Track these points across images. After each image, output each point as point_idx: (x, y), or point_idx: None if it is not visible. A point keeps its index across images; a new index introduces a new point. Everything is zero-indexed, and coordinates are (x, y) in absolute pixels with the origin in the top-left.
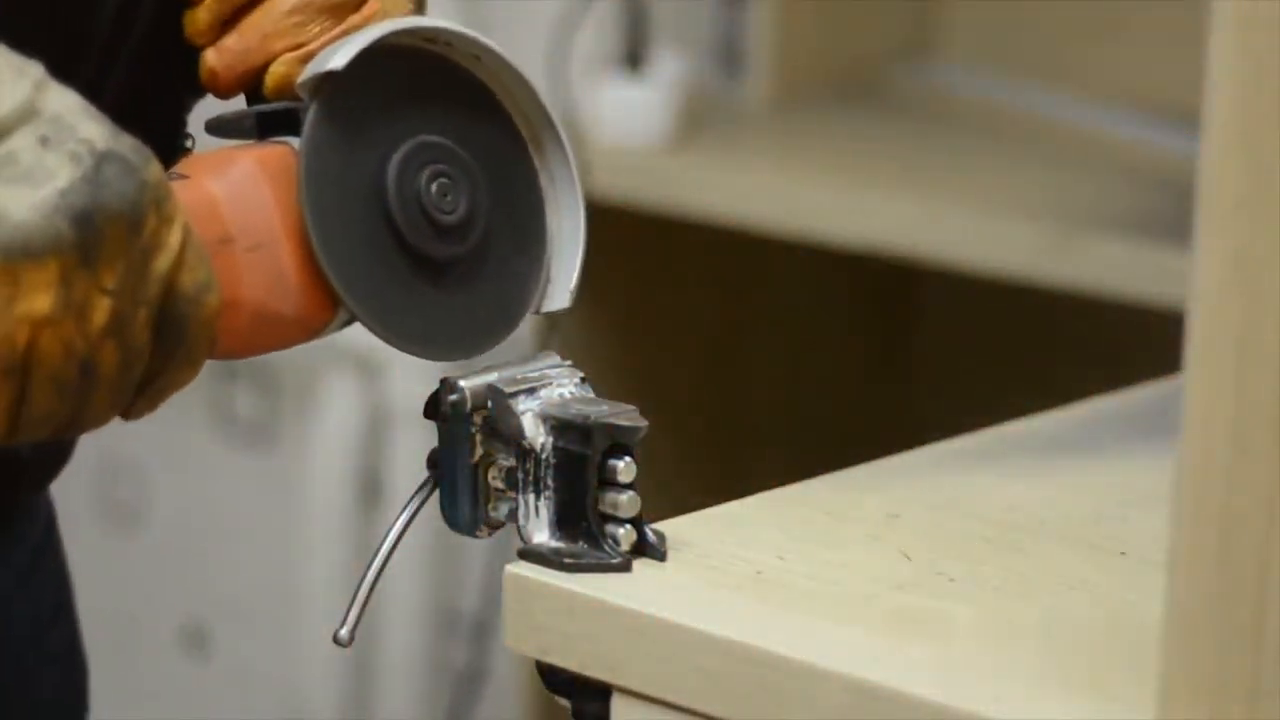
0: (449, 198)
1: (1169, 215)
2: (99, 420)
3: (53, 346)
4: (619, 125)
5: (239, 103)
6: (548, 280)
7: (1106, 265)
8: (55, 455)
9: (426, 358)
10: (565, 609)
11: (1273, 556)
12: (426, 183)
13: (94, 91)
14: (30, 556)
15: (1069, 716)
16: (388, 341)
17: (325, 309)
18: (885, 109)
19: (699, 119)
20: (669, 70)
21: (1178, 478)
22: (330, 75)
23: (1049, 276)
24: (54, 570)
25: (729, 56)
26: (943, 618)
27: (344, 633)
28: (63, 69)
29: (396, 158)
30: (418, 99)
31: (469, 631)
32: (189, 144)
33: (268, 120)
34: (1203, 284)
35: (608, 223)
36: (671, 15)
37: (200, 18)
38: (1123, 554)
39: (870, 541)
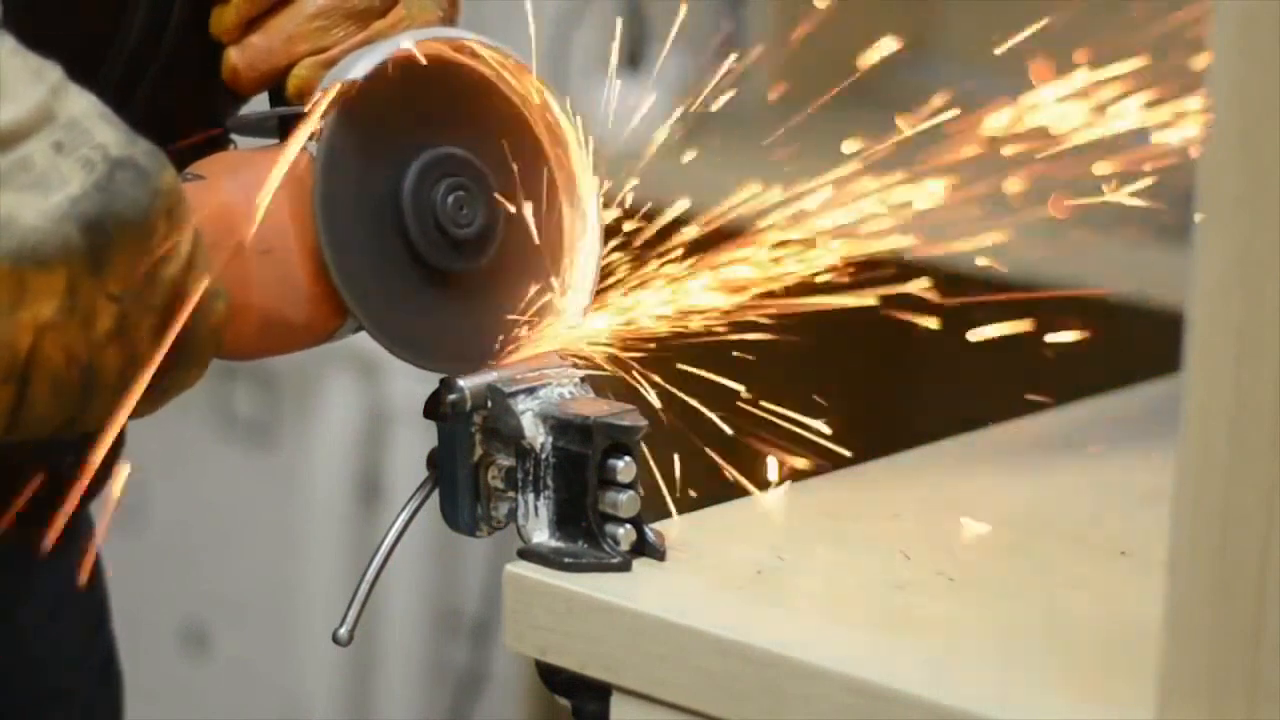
0: (465, 211)
1: (1169, 215)
2: (99, 422)
3: (55, 352)
4: (619, 125)
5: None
6: (560, 295)
7: (1106, 265)
8: (100, 474)
9: (431, 370)
10: (565, 609)
11: (1272, 556)
12: (443, 195)
13: (124, 94)
14: (76, 570)
15: (1069, 716)
16: (393, 353)
17: (334, 316)
18: (885, 109)
19: (699, 119)
20: (669, 70)
21: (1178, 477)
22: (351, 83)
23: (1049, 276)
24: (96, 582)
25: (729, 56)
26: (943, 618)
27: (343, 632)
28: (89, 71)
29: (414, 168)
30: (439, 109)
31: (469, 631)
32: (231, 147)
33: (289, 122)
34: (1203, 284)
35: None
36: (671, 15)
37: (227, 16)
38: (1123, 554)
39: (870, 541)
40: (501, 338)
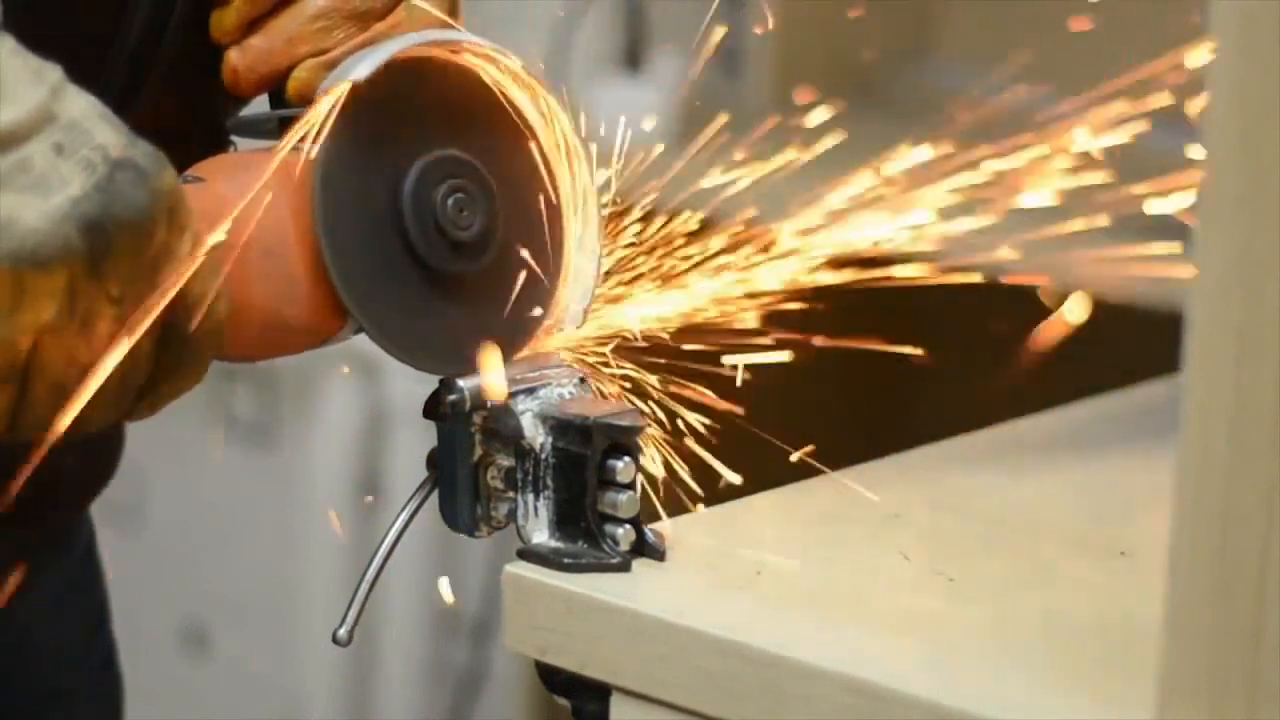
0: (465, 213)
1: (1169, 215)
2: (99, 423)
3: (55, 354)
4: (619, 125)
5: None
6: (560, 298)
7: (1106, 265)
8: (100, 474)
9: (431, 372)
10: (565, 609)
11: (1272, 556)
12: (443, 197)
13: (124, 95)
14: (76, 569)
15: (1069, 716)
16: (393, 355)
17: (334, 318)
18: (885, 109)
19: (699, 119)
20: (669, 70)
21: (1178, 477)
22: (351, 85)
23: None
24: (96, 582)
25: (729, 56)
26: (943, 618)
27: (343, 632)
28: (90, 72)
29: (414, 171)
30: (440, 112)
31: (469, 631)
32: (232, 149)
33: (289, 124)
34: (1203, 284)
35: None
36: (671, 15)
37: (227, 18)
38: (1123, 554)
39: (870, 541)
40: (505, 341)
